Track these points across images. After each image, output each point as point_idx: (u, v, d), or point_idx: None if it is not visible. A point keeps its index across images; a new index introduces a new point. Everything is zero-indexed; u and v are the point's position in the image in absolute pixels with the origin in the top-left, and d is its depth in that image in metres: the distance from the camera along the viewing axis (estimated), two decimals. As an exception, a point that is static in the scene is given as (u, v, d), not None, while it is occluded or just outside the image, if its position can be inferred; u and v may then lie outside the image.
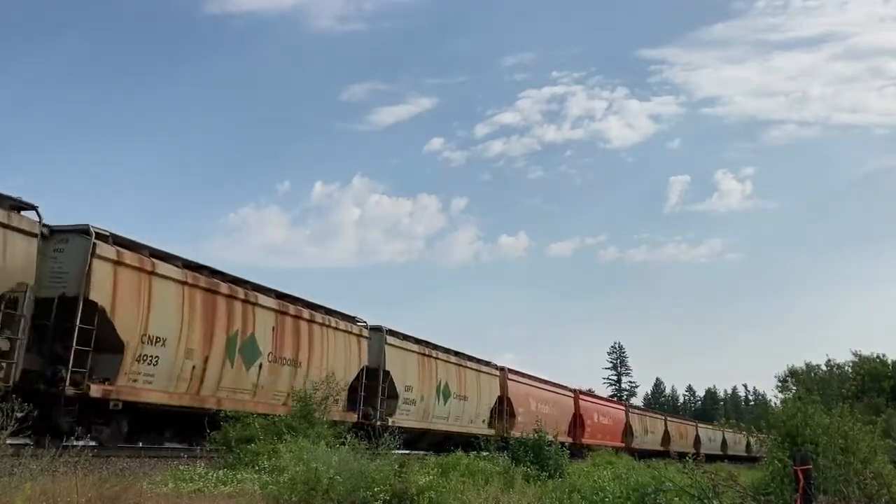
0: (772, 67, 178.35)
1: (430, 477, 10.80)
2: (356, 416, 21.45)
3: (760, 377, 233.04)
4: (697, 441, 63.92)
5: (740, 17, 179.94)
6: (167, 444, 16.61)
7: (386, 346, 23.82)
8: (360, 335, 22.34)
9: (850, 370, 45.60)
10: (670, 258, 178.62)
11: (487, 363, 32.47)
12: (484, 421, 30.62)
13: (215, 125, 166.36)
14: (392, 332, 24.63)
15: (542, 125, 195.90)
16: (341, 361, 21.09)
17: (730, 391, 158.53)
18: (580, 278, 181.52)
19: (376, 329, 23.92)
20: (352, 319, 22.59)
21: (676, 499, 9.75)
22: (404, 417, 24.03)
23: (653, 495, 9.92)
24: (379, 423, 21.37)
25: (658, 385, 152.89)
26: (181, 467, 12.26)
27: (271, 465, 11.29)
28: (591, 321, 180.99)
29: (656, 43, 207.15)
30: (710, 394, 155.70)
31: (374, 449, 11.13)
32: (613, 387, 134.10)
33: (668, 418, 62.07)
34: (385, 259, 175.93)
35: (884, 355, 44.45)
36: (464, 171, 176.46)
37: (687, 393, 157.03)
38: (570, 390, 42.06)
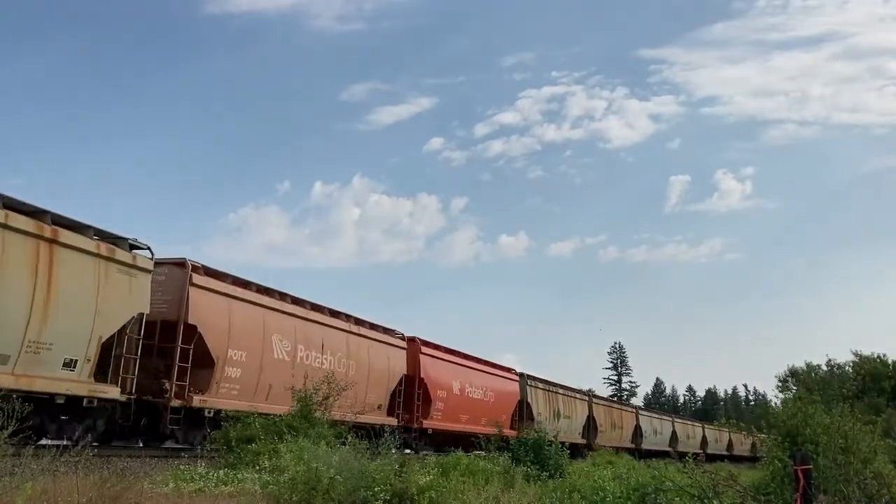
0: (772, 67, 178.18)
1: (431, 477, 10.81)
2: None
3: (760, 377, 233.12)
4: (638, 433, 50.28)
5: (740, 16, 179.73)
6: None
7: None
8: None
9: (850, 370, 45.66)
10: (670, 258, 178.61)
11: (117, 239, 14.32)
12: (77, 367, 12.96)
13: (215, 125, 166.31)
14: None
15: (542, 125, 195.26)
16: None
17: (730, 391, 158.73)
18: (580, 278, 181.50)
19: None
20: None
21: (677, 499, 9.76)
22: None
23: (653, 495, 9.92)
24: None
25: (658, 385, 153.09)
26: (182, 467, 12.29)
27: (272, 465, 11.30)
28: (592, 321, 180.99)
29: (656, 43, 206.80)
30: (711, 394, 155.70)
31: None
32: (614, 387, 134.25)
33: (595, 401, 44.96)
34: (385, 259, 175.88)
35: (884, 355, 44.59)
36: (464, 171, 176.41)
37: (687, 393, 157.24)
38: (402, 337, 24.96)
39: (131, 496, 7.58)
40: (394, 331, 24.60)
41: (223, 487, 10.34)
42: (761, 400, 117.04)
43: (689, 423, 65.10)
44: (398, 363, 24.06)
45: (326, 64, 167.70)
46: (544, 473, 14.84)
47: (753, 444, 67.06)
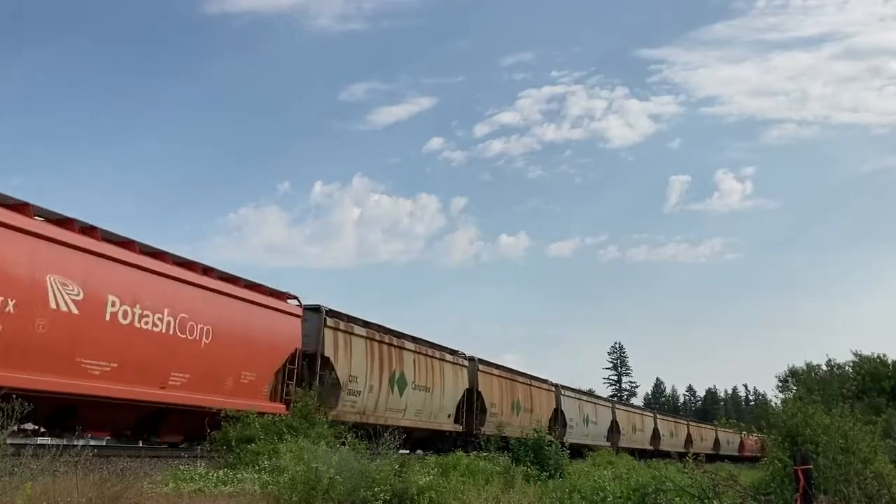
0: (771, 67, 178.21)
1: (431, 477, 10.81)
2: None
3: (760, 377, 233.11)
4: (559, 421, 37.14)
5: (740, 16, 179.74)
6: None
7: None
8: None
9: (850, 370, 45.62)
10: (670, 258, 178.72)
11: None
12: None
13: (215, 125, 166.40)
14: None
15: (542, 125, 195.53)
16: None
17: (730, 391, 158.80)
18: (580, 278, 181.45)
19: None
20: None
21: (677, 499, 9.75)
22: None
23: (653, 495, 9.92)
24: None
25: (658, 385, 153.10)
26: (181, 467, 12.28)
27: (271, 465, 11.30)
28: (592, 321, 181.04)
29: (656, 42, 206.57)
30: (711, 394, 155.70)
31: None
32: (614, 387, 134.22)
33: (482, 368, 29.83)
34: (385, 259, 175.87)
35: (884, 355, 44.47)
36: (464, 171, 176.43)
37: (687, 393, 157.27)
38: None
39: (131, 496, 7.58)
40: None
41: (223, 487, 10.33)
42: (761, 400, 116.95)
43: (636, 412, 53.83)
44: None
45: (326, 64, 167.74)
46: (544, 474, 14.84)
47: (717, 440, 66.38)
